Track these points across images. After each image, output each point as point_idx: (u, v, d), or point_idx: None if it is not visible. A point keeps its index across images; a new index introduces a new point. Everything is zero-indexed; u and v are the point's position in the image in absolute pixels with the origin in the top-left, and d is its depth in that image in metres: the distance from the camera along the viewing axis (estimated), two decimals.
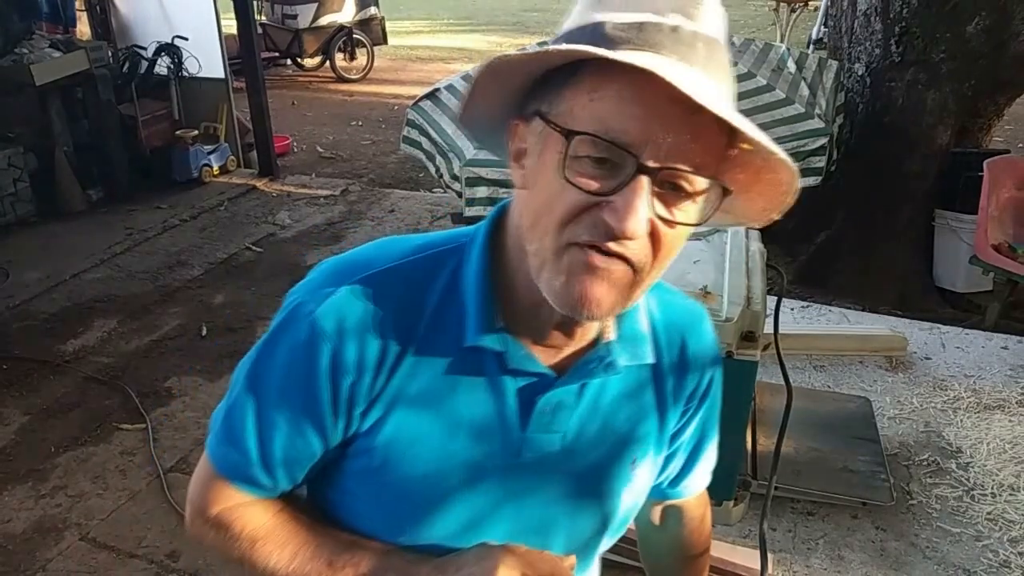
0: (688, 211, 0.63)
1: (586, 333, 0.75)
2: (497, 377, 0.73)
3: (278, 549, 0.76)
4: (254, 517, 0.78)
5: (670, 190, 0.62)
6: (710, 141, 0.61)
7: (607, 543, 0.90)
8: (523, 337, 0.73)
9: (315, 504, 0.82)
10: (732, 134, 0.62)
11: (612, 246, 0.62)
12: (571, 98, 0.62)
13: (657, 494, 0.96)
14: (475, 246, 0.73)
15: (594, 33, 0.62)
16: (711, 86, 0.61)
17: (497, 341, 0.71)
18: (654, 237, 0.63)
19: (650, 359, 0.78)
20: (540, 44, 0.71)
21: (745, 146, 0.63)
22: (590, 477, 0.79)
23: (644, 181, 0.60)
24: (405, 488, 0.74)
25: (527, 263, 0.68)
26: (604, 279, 0.63)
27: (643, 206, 0.60)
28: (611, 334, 0.76)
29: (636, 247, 0.62)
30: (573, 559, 0.75)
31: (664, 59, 0.59)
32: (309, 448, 0.74)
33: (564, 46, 0.60)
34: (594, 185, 0.61)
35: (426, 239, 0.77)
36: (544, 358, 0.74)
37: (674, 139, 0.59)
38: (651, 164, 0.60)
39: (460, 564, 0.71)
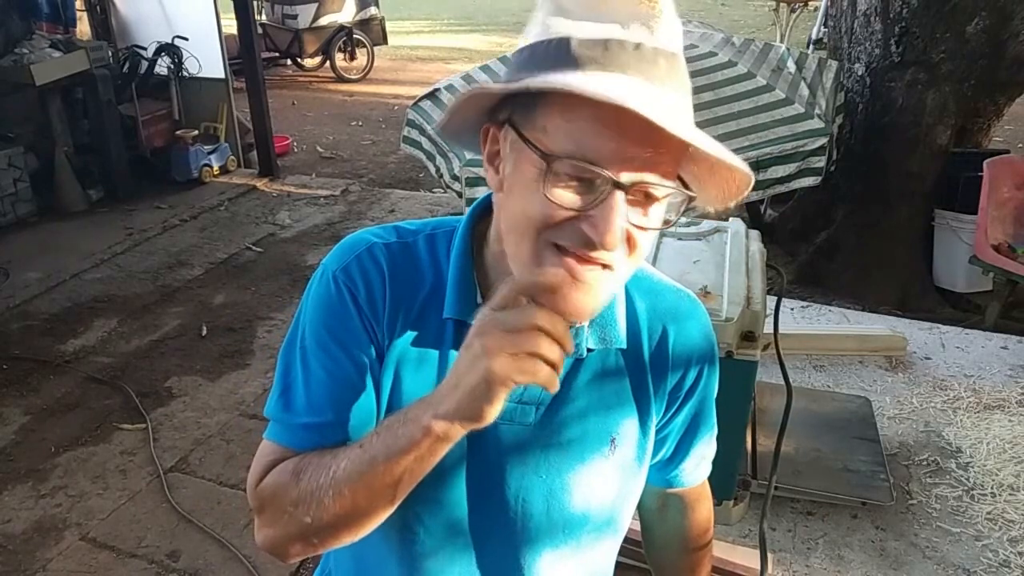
0: (657, 215, 0.69)
1: None
2: None
3: (316, 470, 0.75)
4: (292, 460, 0.78)
5: (641, 198, 0.68)
6: (672, 149, 0.66)
7: (606, 544, 0.89)
8: None
9: None
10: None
11: (592, 255, 0.67)
12: (544, 117, 0.67)
13: (655, 481, 0.98)
14: (459, 233, 0.81)
15: (560, 50, 0.66)
16: (673, 101, 0.66)
17: (470, 315, 0.75)
18: (629, 241, 0.69)
19: (621, 344, 0.83)
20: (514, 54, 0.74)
21: None
22: (566, 450, 0.82)
23: (619, 196, 0.65)
24: None
25: (498, 261, 0.75)
26: (585, 290, 0.67)
27: (620, 219, 0.66)
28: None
29: (614, 252, 0.67)
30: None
31: (630, 79, 0.65)
32: (352, 381, 0.78)
33: (540, 79, 0.64)
34: (574, 201, 0.66)
35: (424, 221, 0.85)
36: None
37: (644, 156, 0.65)
38: (625, 181, 0.65)
39: (457, 362, 0.68)
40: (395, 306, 0.79)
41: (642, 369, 0.85)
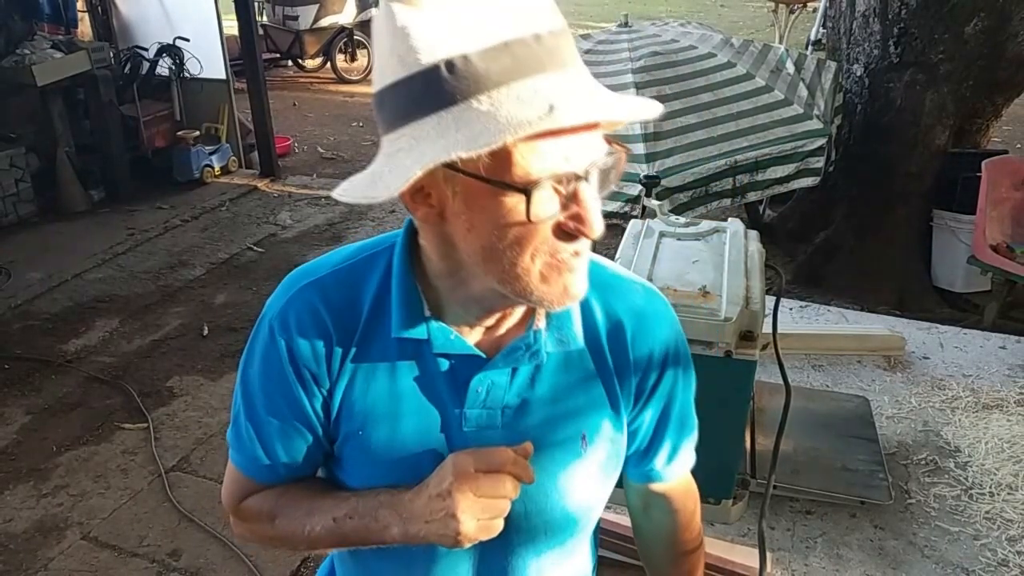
0: (614, 173, 0.73)
1: (516, 314, 0.82)
2: (429, 359, 0.81)
3: (291, 521, 0.86)
4: (269, 499, 0.88)
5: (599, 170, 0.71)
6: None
7: (577, 533, 0.90)
8: (452, 323, 0.80)
9: (329, 479, 0.91)
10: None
11: (586, 243, 0.72)
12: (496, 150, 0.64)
13: (634, 476, 0.98)
14: (397, 250, 0.81)
15: (465, 73, 0.63)
16: (588, 80, 0.68)
17: (421, 330, 0.79)
18: None
19: (577, 345, 0.83)
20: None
21: None
22: (538, 453, 0.81)
23: (584, 186, 0.69)
24: (368, 458, 0.83)
25: (448, 275, 0.76)
26: (580, 276, 0.74)
27: (595, 205, 0.70)
28: (541, 322, 0.82)
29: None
30: (529, 446, 0.79)
31: (549, 77, 0.64)
32: (298, 430, 0.84)
33: (499, 133, 0.62)
34: (554, 211, 0.69)
35: (360, 244, 0.86)
36: (475, 339, 0.82)
37: (588, 141, 0.68)
38: (584, 172, 0.68)
39: (429, 480, 0.79)
40: (338, 336, 0.80)
41: (604, 365, 0.85)
